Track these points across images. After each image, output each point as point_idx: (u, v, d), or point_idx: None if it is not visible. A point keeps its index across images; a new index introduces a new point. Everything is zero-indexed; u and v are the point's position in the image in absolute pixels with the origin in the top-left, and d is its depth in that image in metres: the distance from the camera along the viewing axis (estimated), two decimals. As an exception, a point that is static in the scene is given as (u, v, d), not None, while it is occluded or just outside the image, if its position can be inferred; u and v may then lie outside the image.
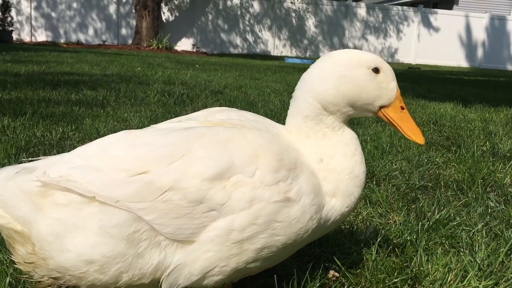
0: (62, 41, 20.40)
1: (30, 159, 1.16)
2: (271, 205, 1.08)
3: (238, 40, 22.14)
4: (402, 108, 1.27)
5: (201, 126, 1.19)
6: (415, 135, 1.26)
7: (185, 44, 21.37)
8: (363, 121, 4.16)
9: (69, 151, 2.47)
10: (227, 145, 1.09)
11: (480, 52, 23.16)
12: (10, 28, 18.63)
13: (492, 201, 2.21)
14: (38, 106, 3.70)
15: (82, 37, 20.81)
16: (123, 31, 21.08)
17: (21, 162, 2.22)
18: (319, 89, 1.23)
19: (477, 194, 2.30)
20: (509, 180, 2.61)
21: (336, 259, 1.42)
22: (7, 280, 1.19)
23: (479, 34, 22.90)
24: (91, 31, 20.89)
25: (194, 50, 20.89)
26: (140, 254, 1.03)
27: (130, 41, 20.61)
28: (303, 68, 12.65)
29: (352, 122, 4.10)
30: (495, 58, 23.05)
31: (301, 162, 1.17)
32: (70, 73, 6.51)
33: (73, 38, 20.70)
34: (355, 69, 1.23)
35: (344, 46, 22.73)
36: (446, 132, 4.04)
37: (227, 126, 1.18)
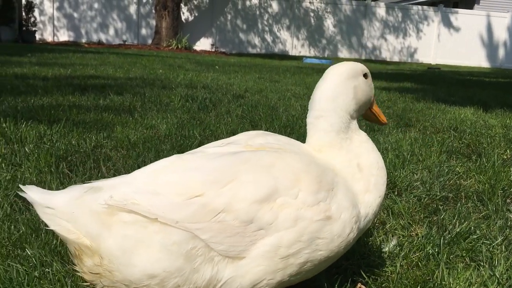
0: (83, 41, 20.78)
1: (92, 182, 1.27)
2: (314, 223, 1.20)
3: (256, 40, 22.25)
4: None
5: (244, 150, 1.30)
6: (385, 119, 1.62)
7: (204, 44, 21.58)
8: (383, 129, 4.22)
9: (103, 159, 2.61)
10: (271, 169, 1.22)
11: (501, 52, 22.86)
12: (33, 28, 19.05)
13: (510, 213, 2.27)
14: (70, 113, 3.85)
15: (103, 37, 21.16)
16: (143, 31, 21.37)
17: (62, 171, 2.37)
18: (346, 102, 1.44)
19: (497, 206, 2.36)
20: (529, 191, 2.66)
21: (362, 272, 1.52)
22: (66, 289, 1.32)
23: (501, 34, 22.60)
24: (111, 31, 21.24)
25: (213, 50, 21.07)
26: (196, 269, 1.14)
27: (150, 41, 20.89)
28: (321, 69, 12.70)
29: (373, 129, 4.17)
30: (517, 58, 22.74)
31: (337, 181, 1.31)
32: (95, 77, 6.69)
33: (94, 38, 21.06)
34: (357, 78, 1.48)
35: (362, 46, 22.65)
36: (467, 139, 4.06)
37: (268, 151, 1.30)
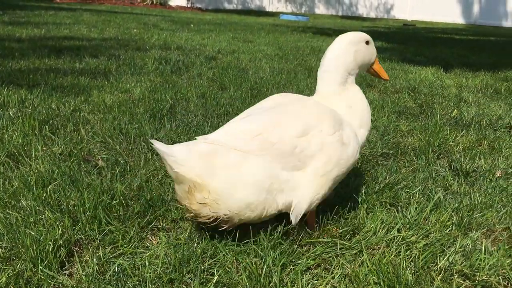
0: (55, -5, 20.17)
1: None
2: (337, 149, 1.75)
3: (233, -4, 21.96)
4: (378, 62, 2.11)
5: (280, 105, 1.83)
6: (387, 75, 2.13)
7: (179, -1, 21.20)
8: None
9: (82, 122, 2.87)
10: (303, 114, 1.76)
11: (476, 8, 23.06)
12: (3, -17, 18.37)
13: (437, 166, 2.65)
14: (47, 77, 4.06)
15: (75, -9, 20.55)
16: (117, -15, 20.80)
17: (45, 134, 2.63)
18: (346, 62, 1.94)
19: (427, 160, 2.74)
20: (460, 148, 3.05)
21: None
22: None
23: (476, -10, 22.74)
24: (84, -15, 20.62)
25: (189, 6, 20.76)
26: (274, 198, 1.65)
27: (124, -4, 20.40)
28: (296, 27, 12.83)
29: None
30: (491, 15, 22.98)
31: (342, 119, 1.86)
32: (70, 38, 6.78)
33: (66, -8, 20.44)
34: (359, 44, 1.97)
35: (339, 2, 22.61)
36: (421, 99, 4.42)
37: (298, 103, 1.85)
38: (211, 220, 1.61)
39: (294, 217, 1.70)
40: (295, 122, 1.72)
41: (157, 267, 1.54)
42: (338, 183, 1.87)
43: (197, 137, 1.69)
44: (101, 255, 1.59)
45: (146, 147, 2.63)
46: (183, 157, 1.56)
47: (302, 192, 1.69)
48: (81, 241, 1.70)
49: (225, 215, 1.60)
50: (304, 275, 1.59)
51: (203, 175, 1.57)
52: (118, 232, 1.74)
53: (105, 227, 1.77)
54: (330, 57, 1.94)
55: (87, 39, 6.76)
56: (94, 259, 1.56)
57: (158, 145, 1.56)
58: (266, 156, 1.63)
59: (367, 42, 1.98)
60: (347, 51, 1.93)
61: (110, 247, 1.67)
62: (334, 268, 1.64)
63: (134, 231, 1.77)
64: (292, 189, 1.68)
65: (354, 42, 1.95)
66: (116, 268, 1.52)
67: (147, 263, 1.55)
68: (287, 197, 1.68)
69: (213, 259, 1.62)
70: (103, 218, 1.80)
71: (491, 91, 4.97)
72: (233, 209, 1.60)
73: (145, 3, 18.96)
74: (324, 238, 1.80)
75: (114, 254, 1.63)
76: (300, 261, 1.64)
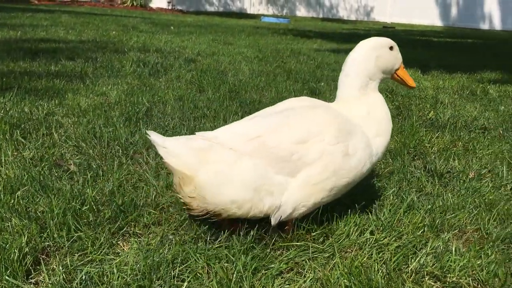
0: (33, -4, 19.86)
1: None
2: (337, 158, 1.73)
3: (214, -2, 21.91)
4: (404, 68, 2.07)
5: (289, 109, 1.84)
6: (413, 82, 2.08)
7: (160, 1, 21.06)
8: (323, 93, 4.55)
9: (55, 126, 2.82)
10: (307, 121, 1.75)
11: (454, 11, 23.40)
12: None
13: (412, 168, 2.67)
14: (21, 80, 3.98)
15: (54, -7, 20.25)
16: (97, -13, 20.57)
17: (16, 139, 2.58)
18: (367, 67, 1.92)
19: (403, 162, 2.76)
20: (436, 149, 3.08)
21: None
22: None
23: (454, -8, 23.07)
24: (63, -13, 20.33)
25: (170, 8, 20.64)
26: (261, 199, 1.66)
27: (104, -2, 20.18)
28: (277, 29, 12.84)
29: (315, 93, 4.50)
30: (468, 17, 23.33)
31: (355, 128, 1.82)
32: (46, 40, 6.67)
33: (45, -7, 20.13)
34: (382, 50, 1.95)
35: (320, 4, 22.74)
36: (398, 101, 4.46)
37: (302, 108, 1.83)
38: (202, 213, 1.66)
39: (274, 219, 1.72)
40: (296, 128, 1.72)
41: (125, 274, 1.52)
42: (342, 194, 1.87)
43: (196, 133, 1.72)
44: (69, 263, 1.56)
45: (120, 151, 2.59)
46: (174, 149, 1.61)
47: (289, 196, 1.69)
48: (48, 248, 1.66)
49: (211, 210, 1.65)
50: (276, 280, 1.58)
51: (192, 168, 1.60)
52: (88, 238, 1.71)
53: (74, 234, 1.73)
54: (350, 63, 1.94)
55: (64, 41, 6.66)
56: (61, 267, 1.52)
57: (153, 136, 1.61)
58: (261, 159, 1.65)
59: (391, 48, 1.97)
60: (368, 56, 1.92)
61: (78, 254, 1.63)
62: (306, 272, 1.63)
63: (104, 237, 1.73)
64: (282, 193, 1.69)
65: (376, 47, 1.94)
66: (84, 276, 1.49)
67: (115, 270, 1.52)
68: (275, 200, 1.68)
69: (184, 265, 1.60)
70: (72, 225, 1.76)
71: (467, 92, 5.05)
72: (219, 204, 1.63)
73: (125, 4, 18.79)
74: (297, 242, 1.79)
75: (83, 262, 1.59)
76: (272, 266, 1.63)
